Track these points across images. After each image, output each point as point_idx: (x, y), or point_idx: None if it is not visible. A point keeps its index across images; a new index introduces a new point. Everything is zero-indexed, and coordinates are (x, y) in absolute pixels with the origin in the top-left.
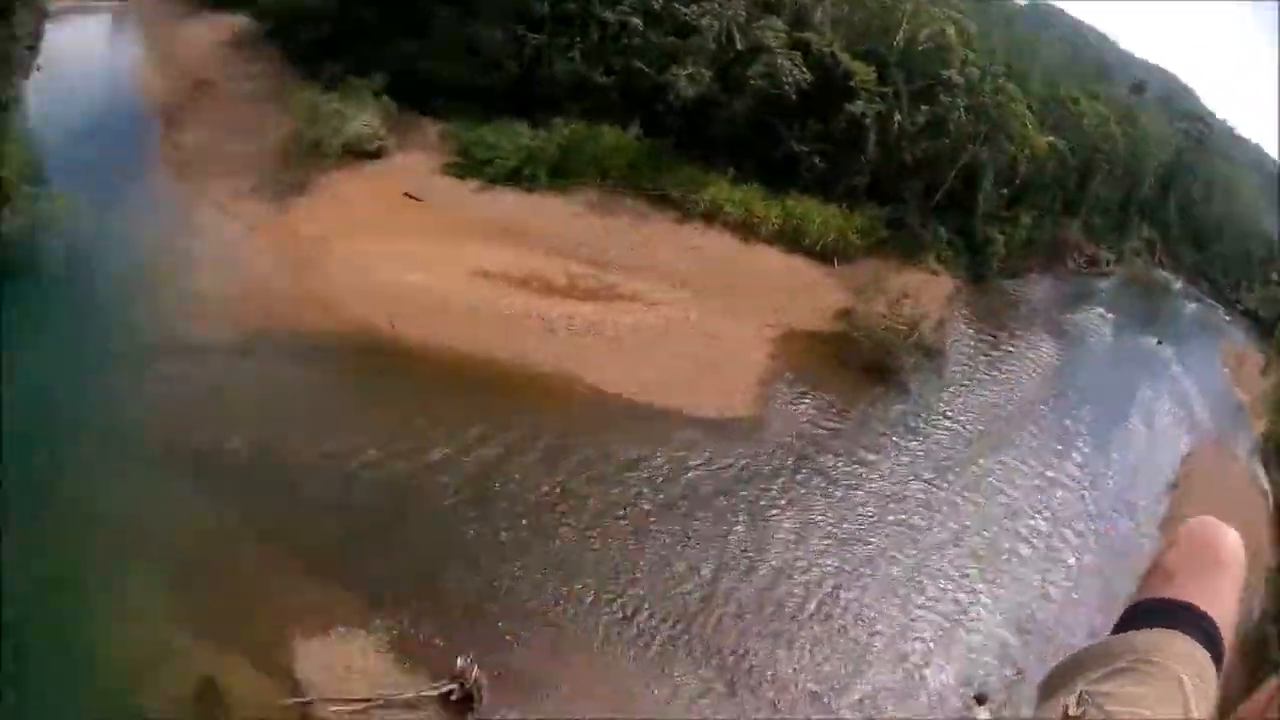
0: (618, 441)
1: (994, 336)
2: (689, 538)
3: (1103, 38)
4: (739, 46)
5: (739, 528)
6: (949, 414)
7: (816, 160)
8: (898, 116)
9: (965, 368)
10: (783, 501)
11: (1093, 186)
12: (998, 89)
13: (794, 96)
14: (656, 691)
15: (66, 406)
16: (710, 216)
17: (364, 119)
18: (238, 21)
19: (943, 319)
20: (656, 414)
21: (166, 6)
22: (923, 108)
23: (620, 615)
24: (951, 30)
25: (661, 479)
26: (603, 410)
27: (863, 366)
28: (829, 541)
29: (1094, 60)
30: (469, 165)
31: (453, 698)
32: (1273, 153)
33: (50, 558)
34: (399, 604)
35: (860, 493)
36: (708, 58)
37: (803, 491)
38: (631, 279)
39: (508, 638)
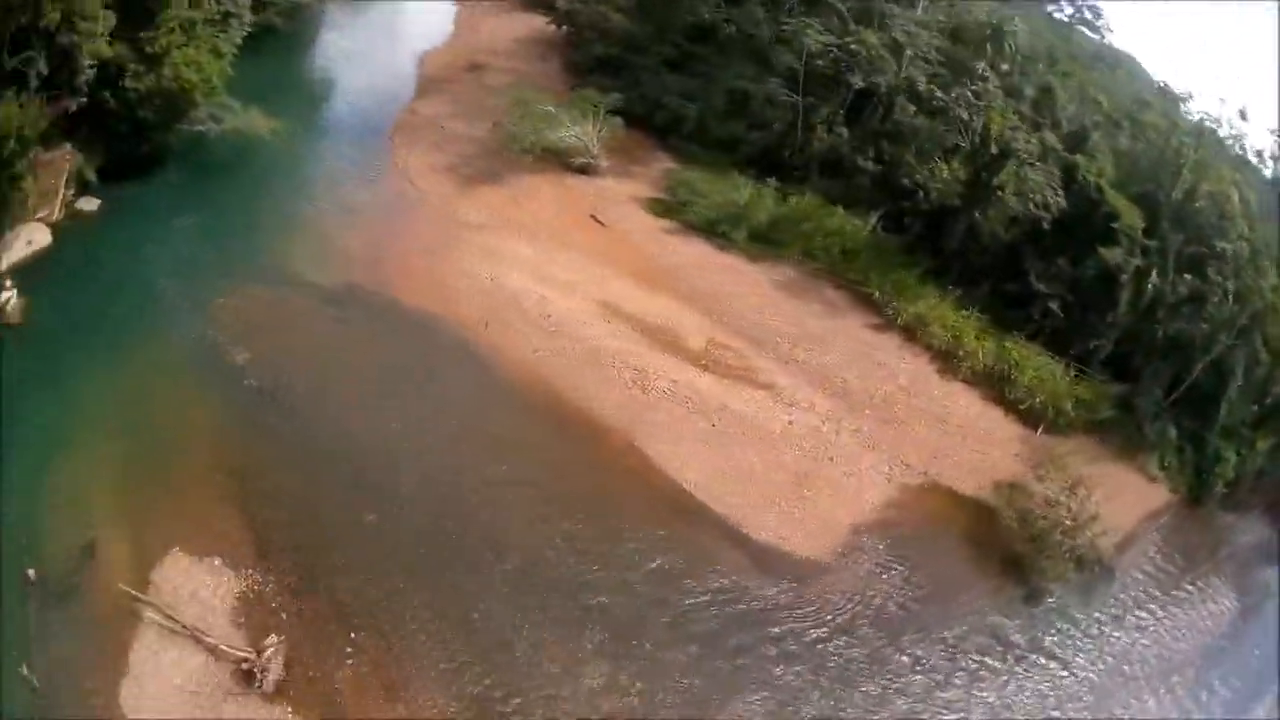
0: (636, 525)
1: (1178, 573)
2: (630, 650)
3: None
4: (992, 149)
5: (706, 667)
6: (1061, 650)
7: (1054, 306)
8: (1156, 278)
9: (1123, 600)
10: (776, 668)
11: None
12: (1260, 272)
13: (1045, 224)
14: None
15: (153, 298)
16: (911, 332)
17: (576, 131)
18: (541, 22)
19: (1134, 535)
20: (705, 517)
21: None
22: (1186, 277)
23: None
24: (1235, 196)
25: (658, 578)
26: (644, 489)
27: (998, 555)
28: None
29: None
30: (668, 205)
31: (243, 666)
32: None
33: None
34: (280, 569)
35: (868, 697)
36: (962, 157)
37: (806, 668)
38: (779, 369)
39: (347, 650)
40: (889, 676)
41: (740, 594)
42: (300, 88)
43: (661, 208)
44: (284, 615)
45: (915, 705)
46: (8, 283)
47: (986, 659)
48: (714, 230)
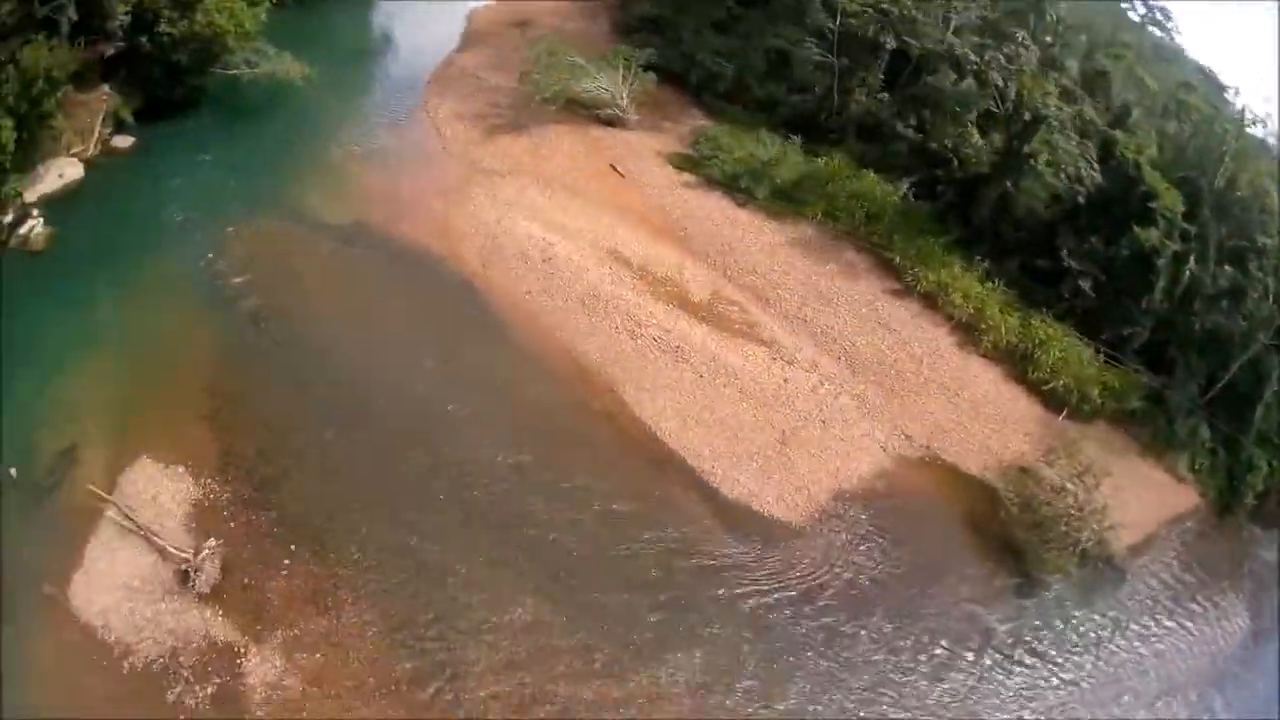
0: (598, 467)
1: (1196, 584)
2: (567, 590)
3: None
4: (1025, 116)
5: (643, 616)
6: (1049, 650)
7: (1086, 285)
8: (1195, 265)
9: (1130, 605)
10: (716, 628)
11: None
12: None
13: (1080, 199)
14: None
15: (169, 228)
16: (931, 300)
17: (604, 83)
18: None
19: (1153, 537)
20: (675, 466)
21: None
22: (1227, 269)
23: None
24: (1275, 191)
25: (611, 521)
26: (615, 433)
27: (996, 540)
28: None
29: None
30: (691, 160)
31: (182, 566)
32: None
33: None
34: (236, 481)
35: (813, 674)
36: (996, 124)
37: (751, 632)
38: (783, 327)
39: (285, 562)
40: (843, 654)
41: (694, 547)
42: (348, 38)
43: (684, 162)
44: (232, 525)
45: (866, 689)
46: (35, 212)
47: (960, 649)
48: (735, 186)
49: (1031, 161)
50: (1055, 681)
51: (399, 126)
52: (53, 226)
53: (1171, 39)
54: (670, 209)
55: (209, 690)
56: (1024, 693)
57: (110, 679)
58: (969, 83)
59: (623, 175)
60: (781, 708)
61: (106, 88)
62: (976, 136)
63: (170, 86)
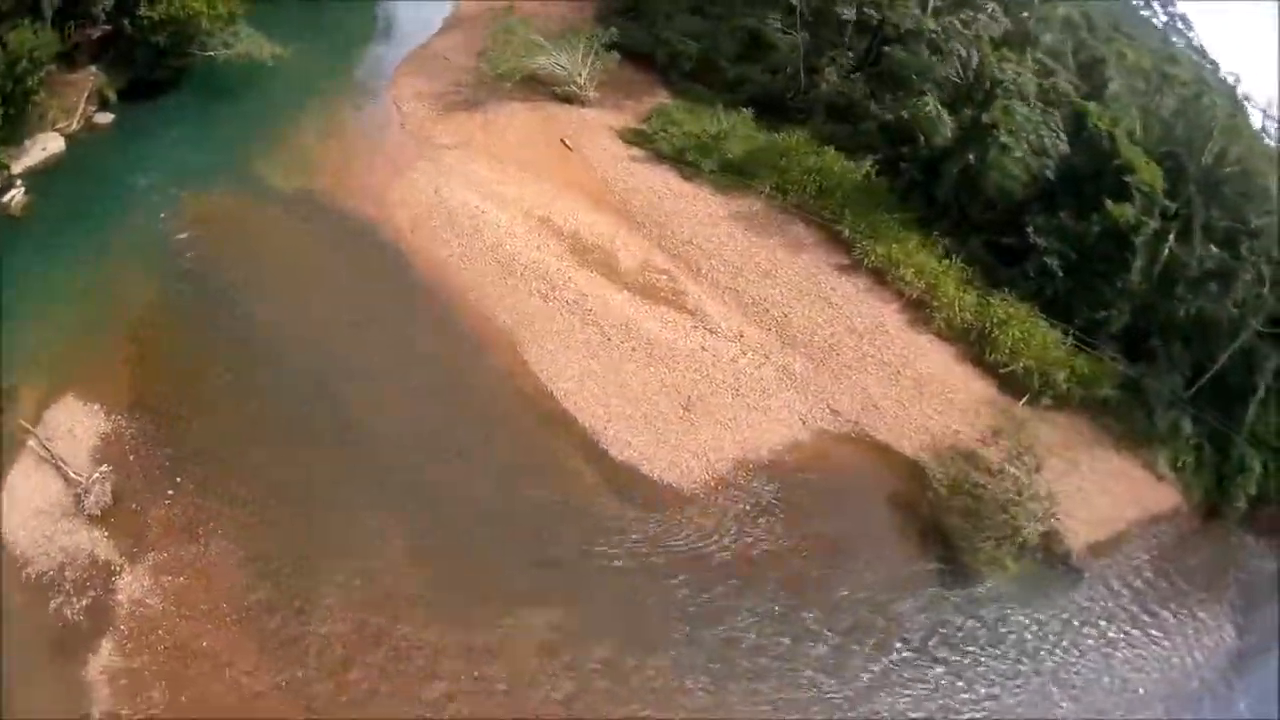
0: (488, 424)
1: (1169, 590)
2: (435, 540)
3: None
4: (986, 85)
5: (506, 571)
6: (966, 653)
7: (1054, 263)
8: (1175, 242)
9: (1085, 609)
10: (578, 589)
11: None
12: None
13: (1048, 171)
14: None
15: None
16: (881, 275)
17: (562, 60)
18: None
19: (1123, 536)
20: (567, 426)
21: None
22: (1214, 249)
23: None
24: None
25: (491, 476)
26: (512, 392)
27: (924, 526)
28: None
29: None
30: (643, 134)
31: (76, 489)
32: None
33: None
34: (144, 420)
35: (668, 651)
36: (960, 96)
37: (613, 596)
38: (712, 297)
39: (169, 492)
40: (718, 630)
41: (572, 507)
42: (347, 26)
43: (636, 137)
44: (131, 457)
45: (737, 673)
46: (19, 182)
47: (855, 641)
48: (682, 159)
49: (994, 133)
50: (972, 689)
51: (365, 106)
52: (32, 195)
53: (1192, 44)
54: (614, 181)
55: (84, 603)
56: (930, 697)
57: (11, 586)
58: (926, 56)
59: (570, 149)
60: (635, 682)
61: (94, 68)
62: (933, 105)
63: (152, 67)
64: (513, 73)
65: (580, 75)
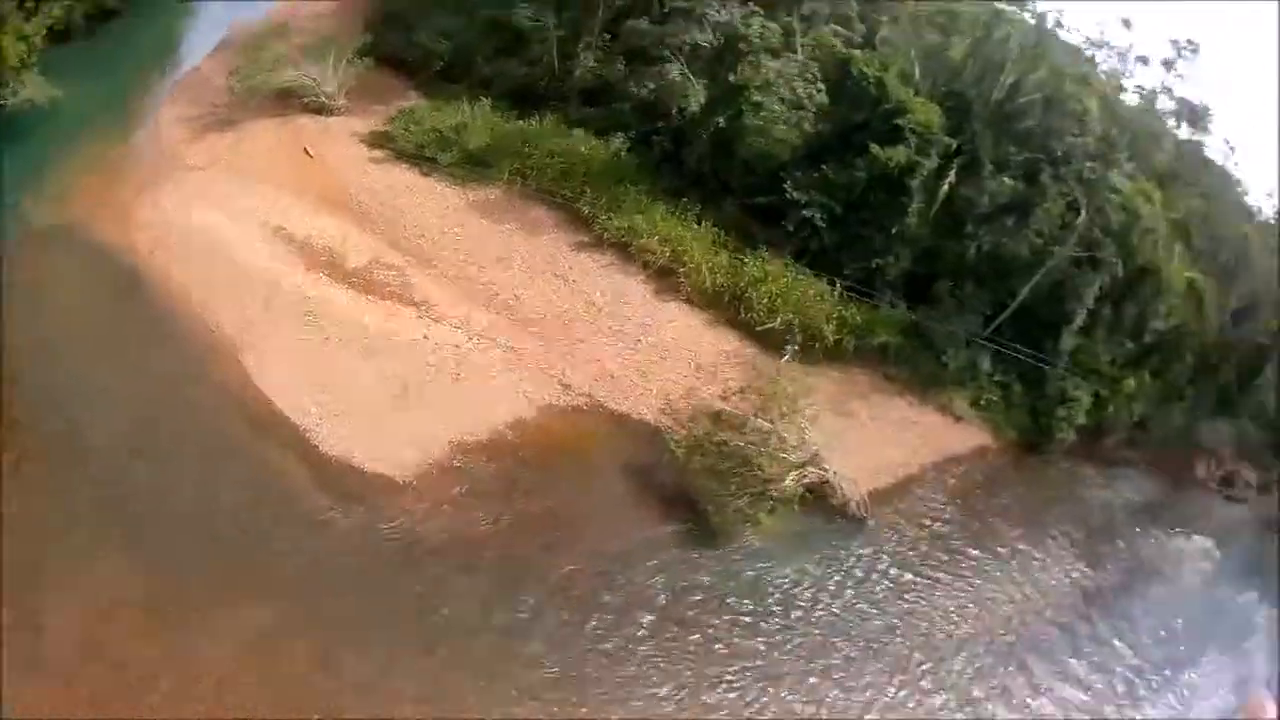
0: (200, 432)
1: (978, 529)
2: (144, 544)
3: None
4: (738, 47)
5: (212, 567)
6: (713, 620)
7: (816, 216)
8: (954, 178)
9: (864, 558)
10: (284, 583)
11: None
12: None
13: (807, 125)
14: None
15: None
16: (625, 249)
17: (308, 72)
18: None
19: (913, 480)
20: (279, 427)
21: None
22: (1007, 182)
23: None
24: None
25: (199, 481)
26: (229, 400)
27: (667, 490)
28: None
29: None
30: (386, 136)
31: None
32: None
33: None
34: None
35: (370, 635)
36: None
37: (323, 587)
38: (439, 287)
39: None
40: (429, 618)
41: (279, 503)
42: (124, 54)
43: (379, 139)
44: None
45: (449, 664)
46: None
47: (587, 614)
48: (421, 156)
49: (745, 93)
50: (735, 648)
51: (130, 135)
52: None
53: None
54: (350, 184)
55: None
56: (685, 662)
57: None
58: (675, 21)
59: (312, 157)
60: (347, 677)
61: None
62: (677, 72)
63: None
64: (259, 88)
65: (329, 85)
